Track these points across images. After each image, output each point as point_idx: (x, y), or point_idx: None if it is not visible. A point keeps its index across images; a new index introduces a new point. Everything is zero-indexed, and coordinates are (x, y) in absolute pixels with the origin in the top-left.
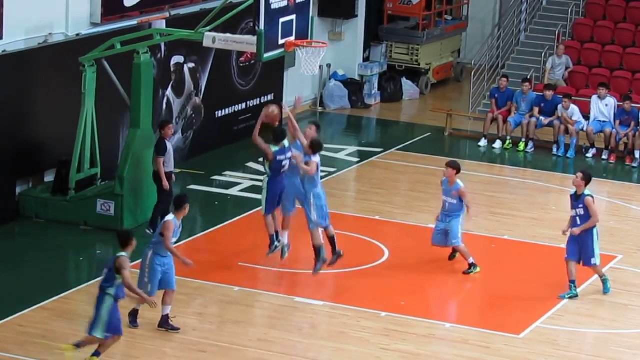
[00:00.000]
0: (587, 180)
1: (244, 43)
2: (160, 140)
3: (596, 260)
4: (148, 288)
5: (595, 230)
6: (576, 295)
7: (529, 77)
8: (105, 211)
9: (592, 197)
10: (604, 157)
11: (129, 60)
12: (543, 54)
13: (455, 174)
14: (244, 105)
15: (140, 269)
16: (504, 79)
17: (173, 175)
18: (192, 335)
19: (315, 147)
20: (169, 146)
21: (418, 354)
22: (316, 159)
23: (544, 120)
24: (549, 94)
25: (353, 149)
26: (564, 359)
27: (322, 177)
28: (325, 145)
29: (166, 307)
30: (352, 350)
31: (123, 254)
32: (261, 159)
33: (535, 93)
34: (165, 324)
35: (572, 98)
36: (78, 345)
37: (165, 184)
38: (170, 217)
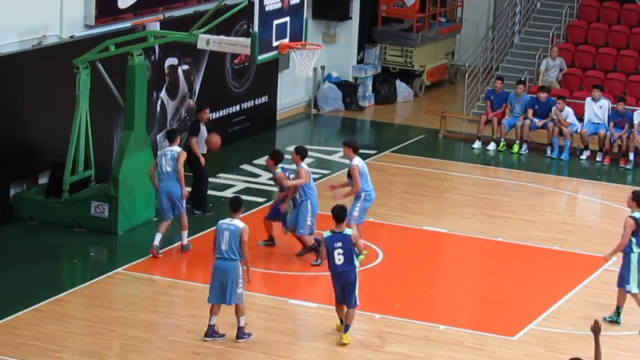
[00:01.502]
0: (637, 200)
1: (238, 45)
2: (195, 122)
3: (631, 288)
4: (242, 298)
5: (633, 256)
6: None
7: (522, 79)
8: (99, 213)
9: (636, 220)
10: (598, 159)
11: (123, 62)
12: (537, 56)
13: (352, 152)
14: (238, 108)
15: (230, 282)
16: (499, 81)
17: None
18: (186, 337)
19: (301, 152)
20: (203, 128)
21: (412, 356)
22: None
23: (538, 122)
24: (542, 95)
25: None
26: None
27: (315, 180)
28: (319, 148)
29: (241, 318)
30: (346, 352)
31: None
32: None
33: (529, 95)
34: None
35: (566, 100)
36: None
37: (202, 159)
38: (242, 223)
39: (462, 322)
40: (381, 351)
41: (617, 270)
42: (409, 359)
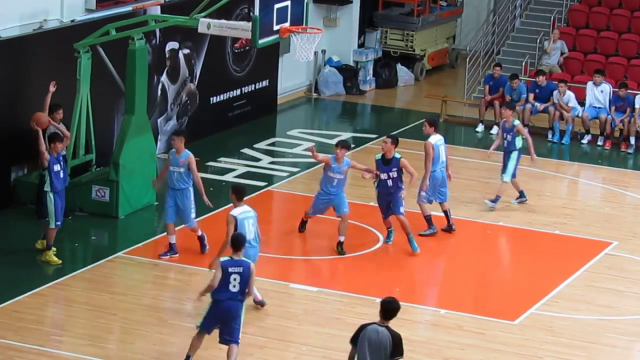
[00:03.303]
0: None
1: (238, 29)
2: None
3: None
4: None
5: None
6: None
7: (524, 63)
8: (100, 197)
9: None
10: (599, 143)
11: (123, 47)
12: (538, 40)
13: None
14: (238, 92)
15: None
16: (497, 68)
17: None
18: (187, 321)
19: None
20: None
21: (413, 340)
22: None
23: (539, 106)
24: (541, 79)
25: (348, 135)
26: (559, 345)
27: (316, 164)
28: (320, 132)
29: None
30: (347, 337)
31: None
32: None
33: (524, 84)
34: None
35: (568, 84)
36: None
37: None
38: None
39: (463, 306)
40: None
41: (619, 254)
42: (409, 343)
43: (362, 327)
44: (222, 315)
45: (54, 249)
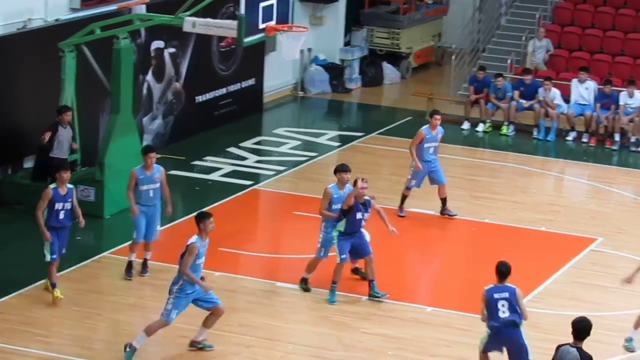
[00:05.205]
0: None
1: (224, 28)
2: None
3: None
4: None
5: None
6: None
7: (509, 61)
8: (85, 197)
9: None
10: (584, 140)
11: (108, 46)
12: (524, 38)
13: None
14: (224, 91)
15: None
16: (481, 72)
17: None
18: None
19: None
20: (62, 130)
21: (400, 338)
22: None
23: (525, 103)
24: (527, 78)
25: (334, 133)
26: (546, 341)
27: (303, 162)
28: (306, 130)
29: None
30: (334, 335)
31: None
32: None
33: (509, 83)
34: None
35: (553, 81)
36: None
37: None
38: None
39: (450, 303)
40: (369, 333)
41: (605, 250)
42: (397, 340)
43: (558, 347)
44: (505, 343)
45: (58, 289)
